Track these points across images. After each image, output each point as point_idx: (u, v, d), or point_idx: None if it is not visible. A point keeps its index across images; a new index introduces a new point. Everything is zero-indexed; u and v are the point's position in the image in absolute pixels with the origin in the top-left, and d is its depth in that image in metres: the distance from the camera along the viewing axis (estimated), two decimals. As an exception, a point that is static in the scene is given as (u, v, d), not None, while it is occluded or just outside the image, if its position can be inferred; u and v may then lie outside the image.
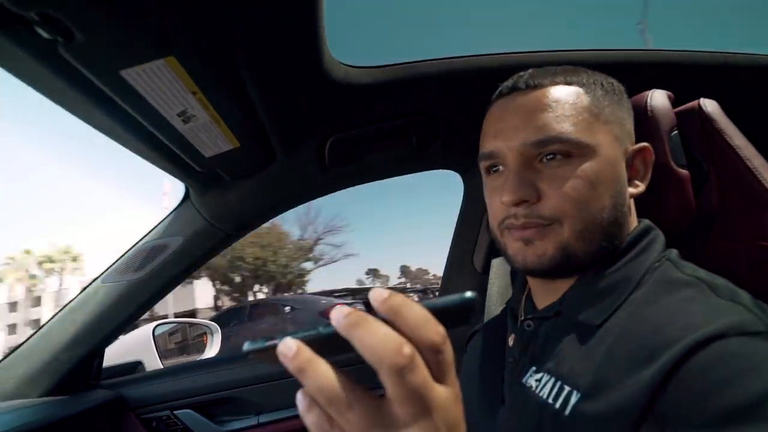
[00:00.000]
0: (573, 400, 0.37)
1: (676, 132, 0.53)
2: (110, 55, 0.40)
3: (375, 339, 0.21)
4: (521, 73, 0.46)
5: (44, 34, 0.35)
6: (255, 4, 0.45)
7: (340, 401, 0.22)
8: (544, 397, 0.40)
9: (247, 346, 0.25)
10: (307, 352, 0.22)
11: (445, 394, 0.22)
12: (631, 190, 0.45)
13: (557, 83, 0.43)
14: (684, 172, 0.52)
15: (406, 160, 0.88)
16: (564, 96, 0.42)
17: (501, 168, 0.46)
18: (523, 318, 0.51)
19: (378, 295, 0.23)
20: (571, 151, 0.41)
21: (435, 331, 0.22)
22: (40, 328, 0.85)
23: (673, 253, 0.44)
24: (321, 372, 0.22)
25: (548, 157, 0.42)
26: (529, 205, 0.42)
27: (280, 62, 0.55)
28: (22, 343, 0.83)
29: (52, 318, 0.85)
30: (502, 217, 0.45)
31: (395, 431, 0.21)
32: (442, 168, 0.95)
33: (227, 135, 0.61)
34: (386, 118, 0.76)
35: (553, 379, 0.40)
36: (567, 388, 0.38)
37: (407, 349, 0.21)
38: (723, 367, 0.30)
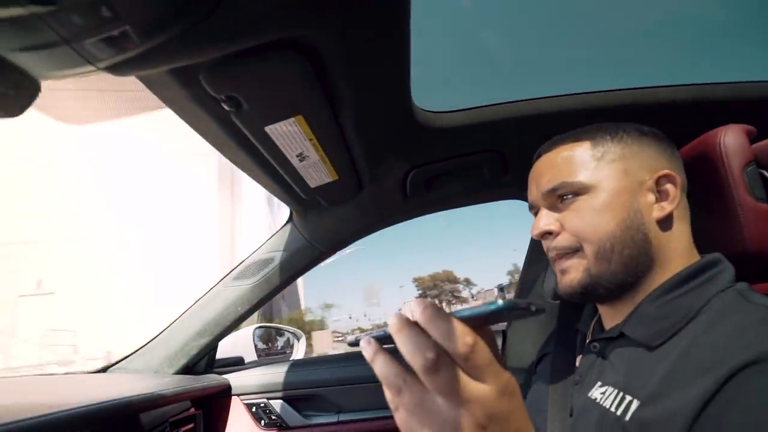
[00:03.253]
0: (633, 407, 0.41)
1: (753, 166, 0.53)
2: (261, 118, 0.57)
3: (408, 343, 0.26)
4: (545, 144, 0.58)
5: (226, 107, 0.53)
6: (359, 70, 0.59)
7: (393, 385, 0.27)
8: (607, 406, 0.44)
9: (349, 340, 0.34)
10: (375, 347, 0.29)
11: (485, 390, 0.26)
12: (656, 213, 0.49)
13: (567, 142, 0.55)
14: (762, 206, 0.52)
15: (478, 190, 0.97)
16: (567, 154, 0.54)
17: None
18: (590, 340, 0.56)
19: (416, 306, 0.27)
20: (577, 191, 0.51)
21: (460, 341, 0.25)
22: (177, 318, 1.07)
23: (743, 285, 0.46)
24: (381, 362, 0.28)
25: (564, 198, 0.53)
26: (554, 238, 0.53)
27: (374, 112, 0.69)
28: (164, 329, 1.06)
29: (185, 311, 1.07)
30: (546, 253, 0.55)
31: (437, 415, 0.26)
32: (513, 198, 1.01)
33: (329, 170, 0.76)
34: (460, 155, 0.86)
35: (615, 391, 0.45)
36: (628, 398, 0.42)
37: (430, 354, 0.25)
38: (765, 386, 0.33)
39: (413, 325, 0.27)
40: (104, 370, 1.06)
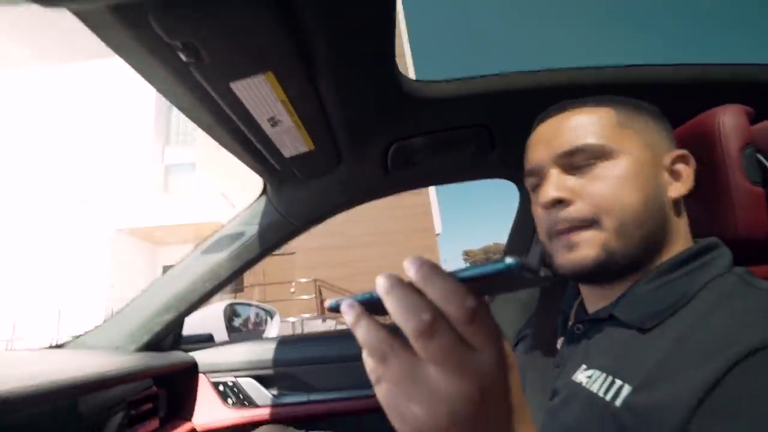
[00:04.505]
0: (624, 392, 0.38)
1: (751, 149, 0.51)
2: (225, 72, 0.50)
3: (401, 305, 0.23)
4: (553, 107, 0.52)
5: (183, 57, 0.46)
6: (338, 27, 0.53)
7: (377, 353, 0.24)
8: (594, 390, 0.41)
9: (328, 304, 0.29)
10: (358, 310, 0.25)
11: (482, 360, 0.23)
12: (672, 193, 0.47)
13: (587, 105, 0.49)
14: (758, 189, 0.50)
15: (463, 167, 0.93)
16: (590, 116, 0.48)
17: (542, 183, 0.50)
18: (573, 322, 0.53)
19: (411, 264, 0.24)
20: (598, 155, 0.46)
21: (460, 303, 0.22)
22: (142, 292, 1.01)
23: (742, 269, 0.44)
24: (364, 326, 0.25)
25: (580, 164, 0.47)
26: (566, 207, 0.46)
27: (354, 77, 0.63)
28: (128, 304, 1.00)
29: (150, 285, 1.01)
30: (549, 226, 0.49)
31: (426, 388, 0.23)
32: (499, 177, 0.98)
33: (305, 138, 0.70)
34: (446, 128, 0.81)
35: (603, 375, 0.42)
36: (619, 382, 0.39)
37: (426, 316, 0.22)
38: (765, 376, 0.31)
39: (407, 285, 0.23)
40: (61, 346, 1.00)
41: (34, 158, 11.62)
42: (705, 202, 0.53)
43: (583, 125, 0.48)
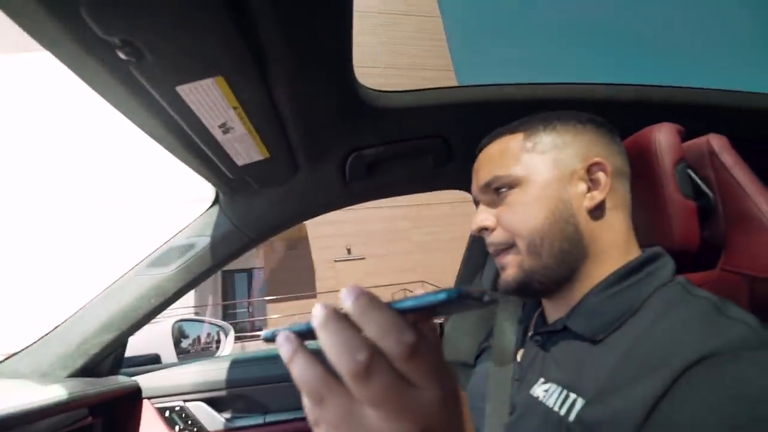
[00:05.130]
0: (578, 406, 0.39)
1: (683, 164, 0.55)
2: (170, 74, 0.47)
3: (335, 342, 0.21)
4: (486, 138, 0.57)
5: (122, 56, 0.43)
6: (294, 32, 0.52)
7: (313, 394, 0.22)
8: (550, 405, 0.42)
9: (263, 334, 0.27)
10: (294, 344, 0.23)
11: (425, 399, 0.21)
12: (587, 203, 0.48)
13: (502, 135, 0.54)
14: (690, 203, 0.54)
15: (422, 178, 0.93)
16: (501, 147, 0.53)
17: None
18: (532, 333, 0.54)
19: (348, 294, 0.22)
20: (510, 183, 0.50)
21: (398, 338, 0.21)
22: (77, 311, 0.92)
23: (683, 278, 0.46)
24: (300, 363, 0.23)
25: (500, 192, 0.51)
26: (490, 234, 0.52)
27: (312, 84, 0.62)
28: (60, 324, 0.90)
29: (87, 303, 0.92)
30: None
31: (364, 430, 0.21)
32: (457, 188, 0.99)
33: (259, 146, 0.68)
34: (404, 139, 0.82)
35: (559, 389, 0.42)
36: (572, 396, 0.40)
37: (362, 356, 0.20)
38: (714, 386, 0.32)
39: (342, 318, 0.22)
40: (-22, 374, 0.88)
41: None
42: (646, 213, 0.56)
43: (494, 157, 0.53)
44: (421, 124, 0.79)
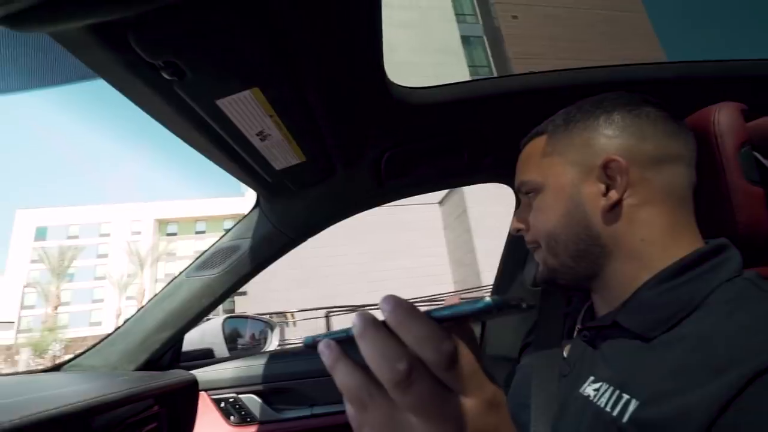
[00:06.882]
0: (632, 407, 0.37)
1: (747, 147, 0.50)
2: (210, 90, 0.49)
3: (374, 352, 0.21)
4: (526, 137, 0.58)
5: (166, 76, 0.45)
6: (325, 40, 0.52)
7: (356, 400, 0.23)
8: (602, 405, 0.40)
9: (304, 340, 0.28)
10: (336, 352, 0.24)
11: (466, 405, 0.22)
12: (603, 202, 0.46)
13: (532, 138, 0.56)
14: (757, 189, 0.49)
15: (458, 173, 0.92)
16: (528, 151, 0.56)
17: None
18: (580, 327, 0.52)
19: (386, 304, 0.22)
20: (532, 189, 0.53)
21: (437, 348, 0.21)
22: (137, 311, 1.00)
23: (753, 273, 0.42)
24: (342, 371, 0.23)
25: (527, 196, 0.54)
26: (525, 233, 0.55)
27: (344, 87, 0.62)
28: (124, 323, 0.99)
29: (146, 304, 1.00)
30: None
31: None
32: (495, 181, 0.97)
33: (295, 150, 0.70)
34: (439, 134, 0.81)
35: (611, 388, 0.40)
36: (626, 396, 0.38)
37: (401, 365, 0.21)
38: None
39: (381, 327, 0.22)
40: (57, 368, 0.98)
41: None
42: (703, 202, 0.52)
43: (522, 161, 0.56)
44: (456, 118, 0.78)
